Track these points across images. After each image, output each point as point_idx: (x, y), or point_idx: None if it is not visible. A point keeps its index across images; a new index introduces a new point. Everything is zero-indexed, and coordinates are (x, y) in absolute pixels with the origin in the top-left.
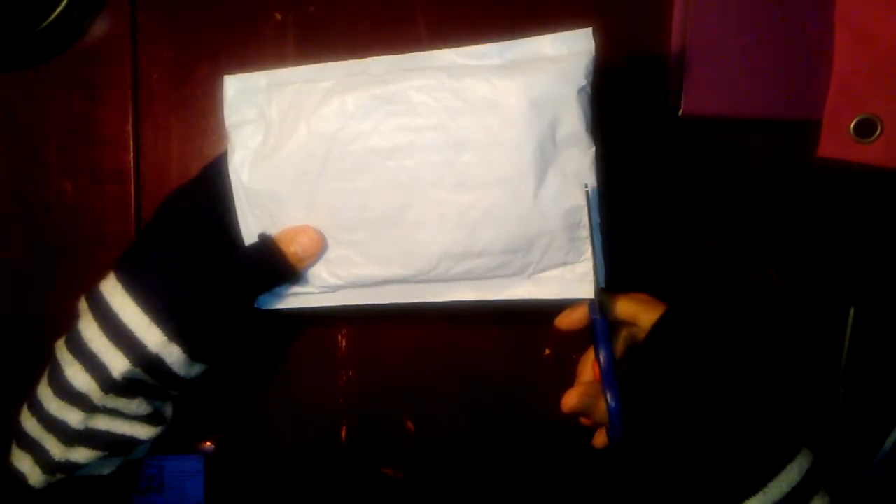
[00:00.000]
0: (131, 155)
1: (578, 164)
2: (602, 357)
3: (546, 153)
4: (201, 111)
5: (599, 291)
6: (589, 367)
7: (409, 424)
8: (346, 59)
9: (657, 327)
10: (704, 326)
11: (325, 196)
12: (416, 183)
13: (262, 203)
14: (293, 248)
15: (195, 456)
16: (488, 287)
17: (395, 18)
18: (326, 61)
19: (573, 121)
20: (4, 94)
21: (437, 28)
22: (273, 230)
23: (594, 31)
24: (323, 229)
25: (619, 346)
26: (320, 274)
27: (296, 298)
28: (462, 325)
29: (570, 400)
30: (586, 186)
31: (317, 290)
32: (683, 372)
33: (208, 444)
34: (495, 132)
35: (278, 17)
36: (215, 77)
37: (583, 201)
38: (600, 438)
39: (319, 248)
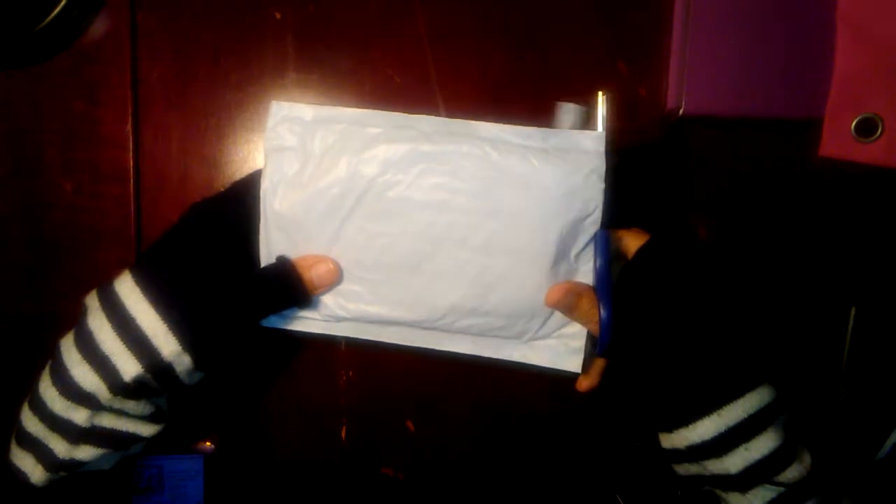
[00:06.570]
0: (131, 155)
1: (589, 251)
2: (598, 263)
3: (569, 235)
4: (201, 111)
5: (607, 205)
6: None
7: (410, 425)
8: (345, 60)
9: (642, 250)
10: (686, 254)
11: (350, 233)
12: (443, 238)
13: (286, 228)
14: (309, 275)
15: (195, 456)
16: (486, 344)
17: (394, 18)
18: (326, 61)
19: (598, 213)
20: (4, 94)
21: (438, 28)
22: (292, 255)
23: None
24: (340, 262)
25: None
26: (328, 304)
27: (299, 322)
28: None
29: (555, 294)
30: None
31: (321, 318)
32: (659, 291)
33: (208, 444)
34: (526, 208)
35: (278, 16)
36: (215, 77)
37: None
38: (585, 382)
39: (334, 280)
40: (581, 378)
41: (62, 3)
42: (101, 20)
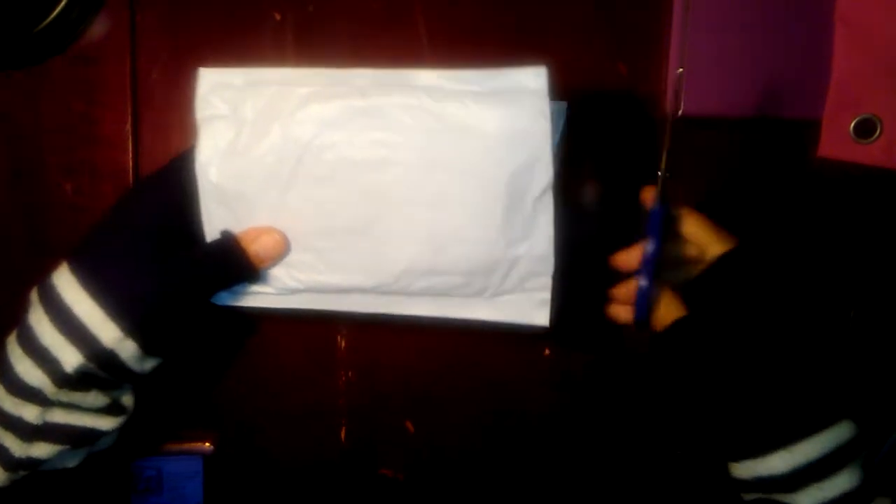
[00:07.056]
0: (130, 155)
1: (548, 198)
2: (649, 245)
3: (519, 183)
4: None
5: (665, 182)
6: (630, 256)
7: (409, 425)
8: (345, 60)
9: (728, 257)
10: (779, 276)
11: (292, 201)
12: (388, 197)
13: (227, 201)
14: (254, 248)
15: (194, 457)
16: (447, 304)
17: (394, 18)
18: (326, 61)
19: (548, 155)
20: (4, 94)
21: (437, 28)
22: (236, 229)
23: None
24: (287, 233)
25: (668, 254)
26: (280, 276)
27: (253, 297)
28: (461, 326)
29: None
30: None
31: (275, 292)
32: (749, 305)
33: (207, 445)
34: (471, 157)
35: (278, 17)
36: None
37: (549, 232)
38: (623, 313)
39: (281, 251)
40: (616, 307)
41: (62, 4)
42: (100, 21)
